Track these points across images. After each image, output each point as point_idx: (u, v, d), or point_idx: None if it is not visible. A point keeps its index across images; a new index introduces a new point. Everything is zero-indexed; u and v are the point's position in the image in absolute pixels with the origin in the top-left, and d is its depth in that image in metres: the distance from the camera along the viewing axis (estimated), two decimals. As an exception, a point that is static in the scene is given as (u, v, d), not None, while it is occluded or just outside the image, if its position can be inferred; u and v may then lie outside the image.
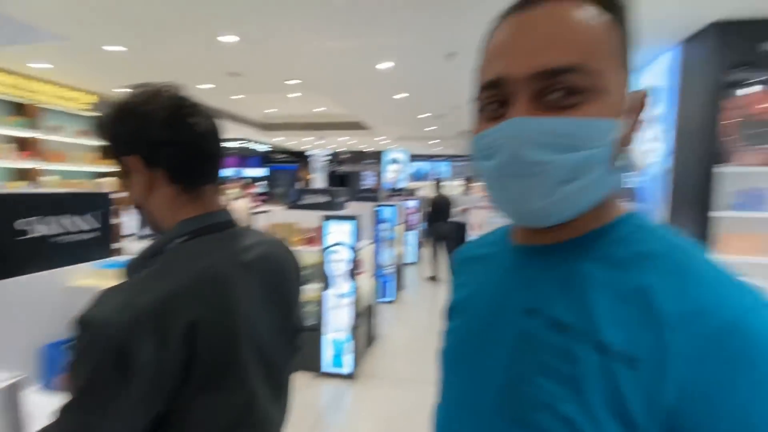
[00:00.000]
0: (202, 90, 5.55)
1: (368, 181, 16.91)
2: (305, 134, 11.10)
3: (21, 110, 4.96)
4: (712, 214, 2.78)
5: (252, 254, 0.72)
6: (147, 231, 0.89)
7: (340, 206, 3.95)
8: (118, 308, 0.54)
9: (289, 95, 7.29)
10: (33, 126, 5.00)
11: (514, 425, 0.40)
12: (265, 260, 0.74)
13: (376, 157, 16.03)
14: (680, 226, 3.04)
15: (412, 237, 6.68)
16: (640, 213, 0.45)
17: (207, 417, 0.62)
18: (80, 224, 1.15)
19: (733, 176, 2.77)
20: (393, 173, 15.31)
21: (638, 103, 0.42)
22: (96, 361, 0.53)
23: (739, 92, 2.93)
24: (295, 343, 0.83)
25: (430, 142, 12.11)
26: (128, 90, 0.69)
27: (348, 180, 17.09)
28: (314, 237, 3.32)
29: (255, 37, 3.44)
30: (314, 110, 9.75)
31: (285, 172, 16.50)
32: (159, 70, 4.60)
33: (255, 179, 15.87)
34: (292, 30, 3.26)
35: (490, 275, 0.51)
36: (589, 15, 0.39)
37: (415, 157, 15.63)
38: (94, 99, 5.66)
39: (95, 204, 1.20)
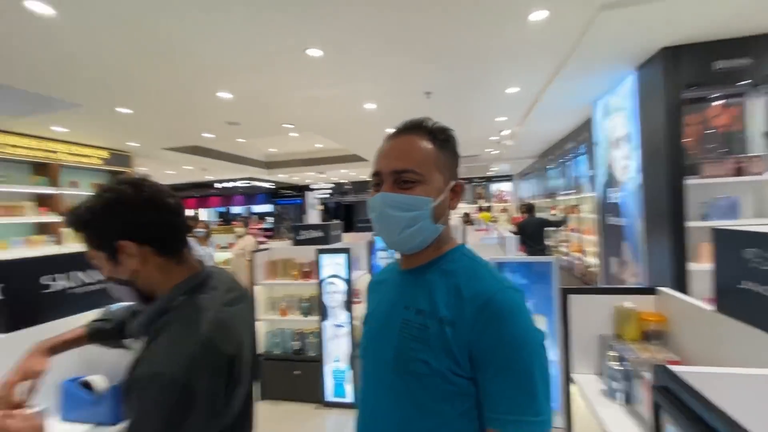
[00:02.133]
0: (206, 138, 5.95)
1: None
2: (307, 169, 11.52)
3: (42, 169, 5.37)
4: (687, 224, 2.91)
5: (234, 298, 0.91)
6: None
7: (335, 239, 4.16)
8: (175, 359, 0.69)
9: (291, 134, 7.71)
10: (53, 183, 5.40)
11: (400, 374, 0.70)
12: (241, 300, 0.94)
13: (381, 185, 16.38)
14: (657, 238, 3.17)
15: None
16: (463, 245, 0.81)
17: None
18: (91, 277, 1.37)
19: (701, 187, 2.92)
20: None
21: (457, 188, 0.79)
22: (169, 403, 0.66)
23: (700, 108, 3.14)
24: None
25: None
26: (103, 189, 0.83)
27: (353, 210, 17.43)
28: (310, 271, 3.52)
29: (247, 93, 3.80)
30: (314, 146, 10.19)
31: (290, 206, 16.94)
32: (164, 125, 5.00)
33: (261, 215, 16.35)
34: (279, 84, 3.60)
35: (387, 291, 0.83)
36: (421, 143, 0.75)
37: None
38: (106, 154, 6.10)
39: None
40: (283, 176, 13.00)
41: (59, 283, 1.29)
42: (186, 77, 3.38)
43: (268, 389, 3.45)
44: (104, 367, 1.32)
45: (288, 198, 16.78)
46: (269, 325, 3.70)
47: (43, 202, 5.35)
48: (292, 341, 3.51)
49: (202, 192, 16.28)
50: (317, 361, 3.33)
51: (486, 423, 0.66)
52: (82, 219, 0.81)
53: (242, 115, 4.70)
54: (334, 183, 16.13)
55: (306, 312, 3.55)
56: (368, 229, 6.15)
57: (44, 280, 1.25)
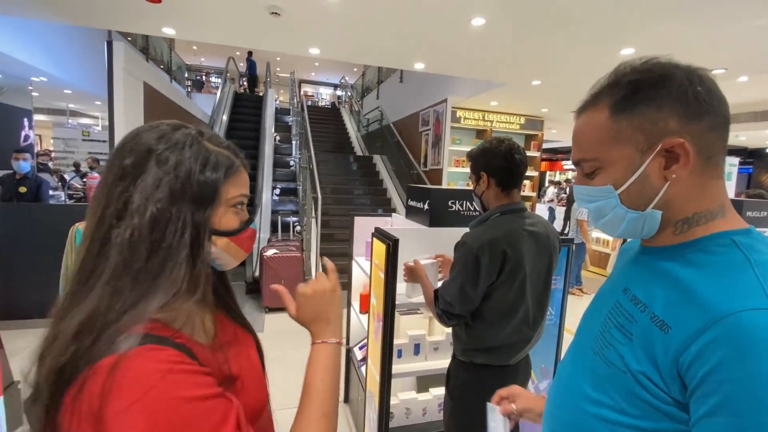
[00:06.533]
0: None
1: None
2: (764, 125, 8.18)
3: (481, 134, 7.40)
4: None
5: (532, 227, 1.33)
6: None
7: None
8: (476, 239, 1.26)
9: (739, 80, 5.81)
10: (485, 144, 7.35)
11: (595, 356, 0.63)
12: (539, 231, 1.34)
13: None
14: None
15: None
16: (746, 231, 0.57)
17: (498, 298, 1.30)
18: (471, 206, 2.10)
19: None
20: None
21: (674, 149, 0.54)
22: (466, 260, 1.26)
23: None
24: (550, 277, 1.37)
25: None
26: (486, 141, 1.39)
27: None
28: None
29: (653, 44, 3.39)
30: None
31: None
32: (569, 90, 5.38)
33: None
34: (699, 23, 2.95)
35: (623, 262, 0.72)
36: (591, 119, 0.60)
37: None
38: (522, 120, 7.37)
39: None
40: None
41: (456, 206, 2.10)
42: (586, 43, 3.54)
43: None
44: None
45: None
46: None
47: (479, 158, 7.41)
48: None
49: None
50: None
51: None
52: (471, 154, 1.44)
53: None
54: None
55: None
56: None
57: (450, 203, 2.10)
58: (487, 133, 7.21)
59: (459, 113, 6.91)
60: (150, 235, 0.50)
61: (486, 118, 7.18)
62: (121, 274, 0.49)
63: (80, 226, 2.08)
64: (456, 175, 7.22)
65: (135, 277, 0.49)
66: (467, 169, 7.32)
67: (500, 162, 1.32)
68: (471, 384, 1.37)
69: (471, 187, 1.49)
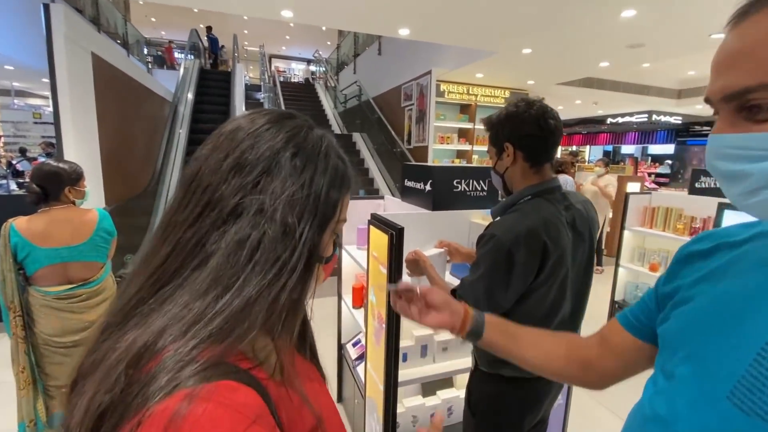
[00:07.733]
0: (601, 68, 5.58)
1: None
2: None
3: (465, 109, 7.10)
4: None
5: (572, 209, 1.08)
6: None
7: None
8: (508, 231, 0.98)
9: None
10: (470, 120, 7.06)
11: (750, 418, 0.39)
12: (577, 214, 1.09)
13: None
14: None
15: None
16: None
17: (536, 301, 1.05)
18: (479, 186, 1.85)
19: None
20: None
21: None
22: (495, 257, 0.98)
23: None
24: (591, 269, 1.15)
25: None
26: (511, 101, 1.10)
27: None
28: (701, 228, 2.79)
29: (656, 3, 3.15)
30: None
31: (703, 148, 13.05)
32: (559, 59, 5.13)
33: (656, 158, 13.72)
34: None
35: (741, 273, 0.46)
36: None
37: None
38: (507, 93, 7.12)
39: (486, 174, 1.86)
40: (702, 107, 10.05)
41: (462, 186, 1.84)
42: (583, 2, 3.27)
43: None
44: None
45: (699, 137, 12.97)
46: (632, 276, 3.40)
47: (462, 134, 7.15)
48: (657, 300, 3.07)
49: (590, 129, 15.65)
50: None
51: None
52: (490, 122, 1.14)
53: (648, 34, 4.00)
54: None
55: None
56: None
57: (455, 182, 1.84)
58: (472, 107, 6.92)
59: (443, 87, 6.57)
60: (270, 248, 0.40)
61: (470, 92, 6.88)
62: (218, 283, 0.38)
63: (14, 223, 1.70)
64: (441, 152, 6.96)
65: (238, 292, 0.38)
66: (453, 146, 7.12)
67: (531, 129, 1.03)
68: (497, 399, 1.15)
69: (490, 164, 1.22)
